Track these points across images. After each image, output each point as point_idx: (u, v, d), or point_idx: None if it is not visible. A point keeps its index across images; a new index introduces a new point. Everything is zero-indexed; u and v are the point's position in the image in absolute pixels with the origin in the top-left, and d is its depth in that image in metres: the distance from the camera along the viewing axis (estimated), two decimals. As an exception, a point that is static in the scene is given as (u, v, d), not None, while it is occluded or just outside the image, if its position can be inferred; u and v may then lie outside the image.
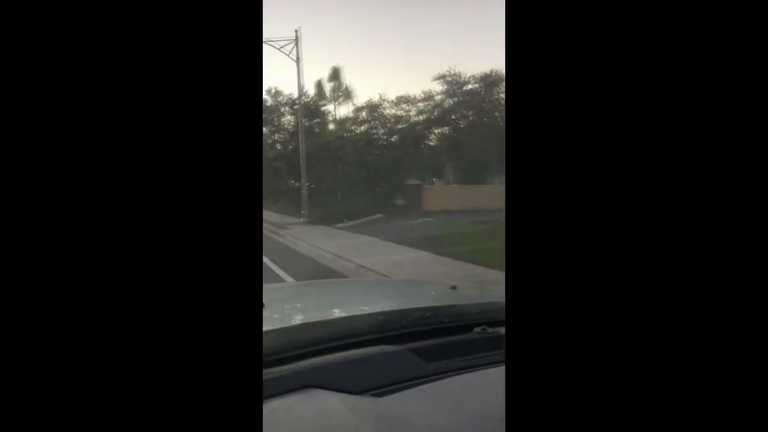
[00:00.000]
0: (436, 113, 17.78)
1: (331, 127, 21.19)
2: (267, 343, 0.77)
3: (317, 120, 20.22)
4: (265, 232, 10.26)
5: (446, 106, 17.76)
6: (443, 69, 17.79)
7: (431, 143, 18.78)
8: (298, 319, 1.07)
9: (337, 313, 1.19)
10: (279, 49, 14.37)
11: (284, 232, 11.04)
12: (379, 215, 13.96)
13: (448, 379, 0.77)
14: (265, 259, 6.63)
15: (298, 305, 1.38)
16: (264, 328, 0.85)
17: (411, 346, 0.84)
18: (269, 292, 1.66)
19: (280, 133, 19.39)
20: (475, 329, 0.91)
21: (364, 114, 18.82)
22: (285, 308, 1.30)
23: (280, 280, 5.64)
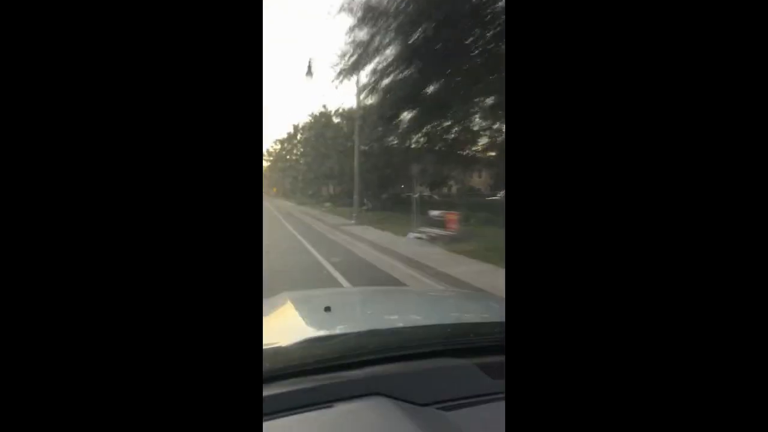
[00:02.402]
0: None
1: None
2: (334, 347, 0.79)
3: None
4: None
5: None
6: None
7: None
8: (365, 326, 1.06)
9: (404, 321, 1.19)
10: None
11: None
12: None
13: None
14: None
15: (365, 311, 1.39)
16: (330, 332, 0.89)
17: (478, 361, 0.82)
18: (335, 296, 1.67)
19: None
20: None
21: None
22: (350, 313, 1.31)
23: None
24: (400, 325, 1.11)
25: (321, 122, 23.22)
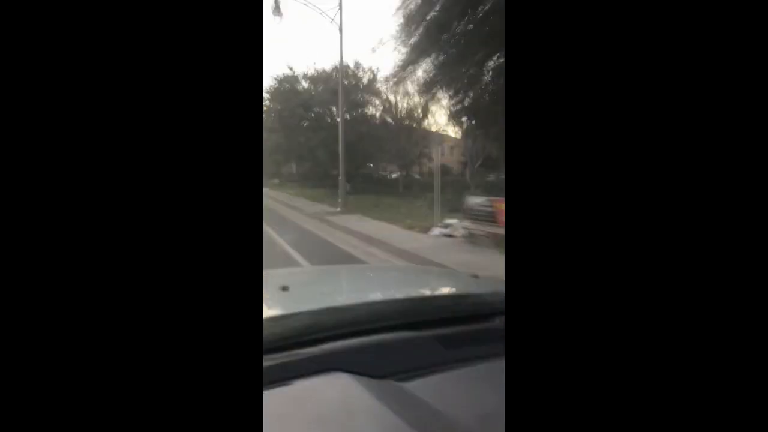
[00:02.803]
0: None
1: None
2: (291, 325, 0.80)
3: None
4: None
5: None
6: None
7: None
8: (321, 303, 0.98)
9: (359, 298, 1.18)
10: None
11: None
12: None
13: (471, 367, 0.79)
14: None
15: (322, 289, 1.38)
16: (288, 311, 0.89)
17: (433, 333, 0.85)
18: (291, 275, 1.71)
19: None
20: (496, 318, 0.92)
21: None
22: (307, 292, 1.28)
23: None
24: (357, 301, 1.06)
25: (285, 88, 19.39)
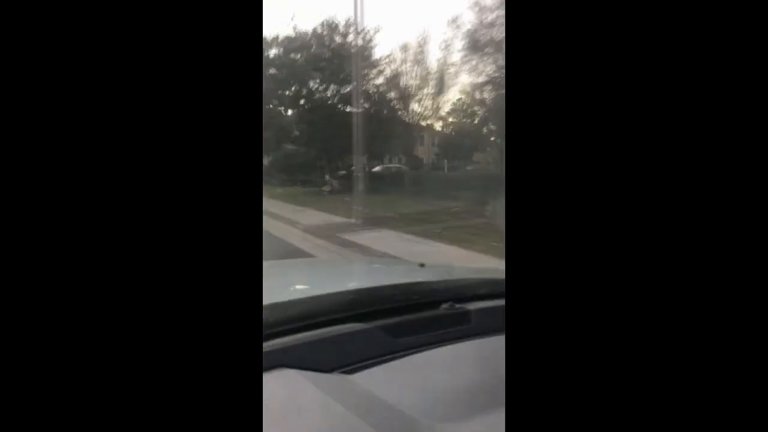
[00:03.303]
0: None
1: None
2: None
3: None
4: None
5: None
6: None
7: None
8: (266, 300, 0.88)
9: (305, 292, 1.14)
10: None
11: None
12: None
13: (417, 355, 0.78)
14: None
15: (266, 285, 1.10)
16: None
17: (380, 323, 0.84)
18: None
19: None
20: (443, 305, 0.92)
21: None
22: None
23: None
24: (302, 296, 1.02)
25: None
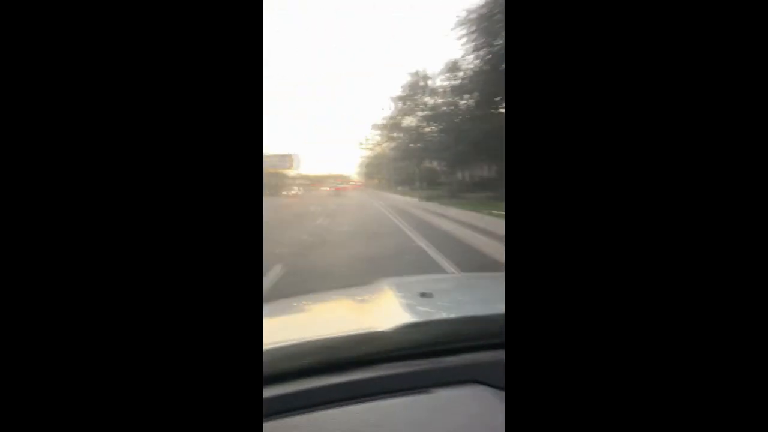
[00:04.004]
0: None
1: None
2: (430, 333, 0.82)
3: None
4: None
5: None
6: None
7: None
8: (461, 312, 1.02)
9: (500, 309, 0.97)
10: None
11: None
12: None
13: None
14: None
15: (464, 297, 1.34)
16: (427, 318, 0.92)
17: None
18: (432, 282, 1.65)
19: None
20: None
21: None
22: (447, 299, 1.25)
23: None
24: (497, 312, 0.93)
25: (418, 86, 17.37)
